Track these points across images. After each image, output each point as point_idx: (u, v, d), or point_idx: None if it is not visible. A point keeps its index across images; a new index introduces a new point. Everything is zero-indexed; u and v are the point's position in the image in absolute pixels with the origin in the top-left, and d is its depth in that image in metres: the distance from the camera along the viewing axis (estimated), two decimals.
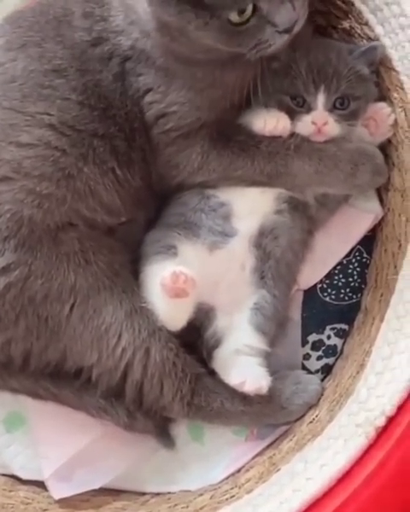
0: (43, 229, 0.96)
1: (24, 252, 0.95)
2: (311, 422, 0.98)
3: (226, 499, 0.96)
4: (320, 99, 0.96)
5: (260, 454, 1.03)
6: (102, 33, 0.97)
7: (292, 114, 0.98)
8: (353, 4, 0.99)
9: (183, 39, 0.90)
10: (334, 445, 0.88)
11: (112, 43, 0.97)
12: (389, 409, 0.83)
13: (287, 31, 0.87)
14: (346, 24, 1.03)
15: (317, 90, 0.96)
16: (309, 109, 0.97)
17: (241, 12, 0.84)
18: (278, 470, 0.94)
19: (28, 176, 0.95)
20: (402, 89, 0.96)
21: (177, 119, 0.98)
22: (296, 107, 0.98)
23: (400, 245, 0.98)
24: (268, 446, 1.03)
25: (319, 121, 0.97)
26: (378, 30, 0.97)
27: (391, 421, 0.83)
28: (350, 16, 1.02)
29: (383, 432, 0.84)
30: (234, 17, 0.84)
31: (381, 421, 0.83)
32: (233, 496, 0.96)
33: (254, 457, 1.03)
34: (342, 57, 0.98)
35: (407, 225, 0.97)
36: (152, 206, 1.06)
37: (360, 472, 0.83)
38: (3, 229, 0.95)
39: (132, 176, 1.01)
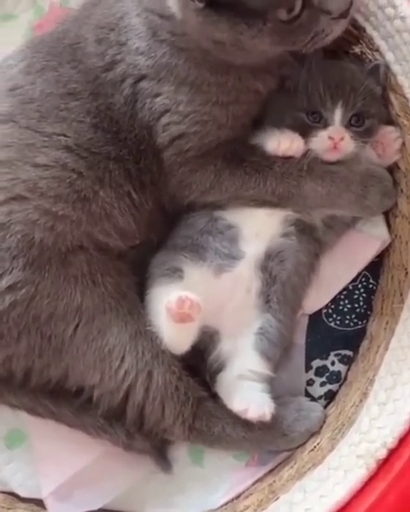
0: (54, 252, 0.97)
1: (32, 271, 0.96)
2: (312, 450, 0.98)
3: None
4: (338, 114, 0.97)
5: (260, 480, 1.02)
6: (116, 56, 0.97)
7: (307, 131, 0.98)
8: (364, 30, 1.00)
9: (239, 52, 0.90)
10: (334, 476, 0.87)
11: (127, 64, 0.97)
12: (391, 441, 0.83)
13: (343, 15, 0.87)
14: (357, 49, 1.04)
15: (334, 106, 0.97)
16: (326, 125, 0.97)
17: (290, 9, 0.84)
18: (277, 499, 0.93)
19: (43, 196, 0.96)
20: None
21: (197, 140, 0.98)
22: (313, 122, 0.98)
23: (406, 273, 0.98)
24: (269, 472, 1.02)
25: (337, 136, 0.97)
26: (389, 56, 0.97)
27: (392, 453, 0.83)
28: (361, 42, 1.02)
29: (383, 464, 0.83)
30: (283, 15, 0.84)
31: (382, 454, 0.83)
32: None
33: (254, 483, 1.02)
34: (356, 75, 1.00)
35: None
36: (164, 228, 1.06)
37: (359, 504, 0.82)
38: (13, 248, 0.95)
39: (146, 200, 1.01)
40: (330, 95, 0.97)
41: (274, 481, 0.99)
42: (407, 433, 0.82)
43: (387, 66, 0.98)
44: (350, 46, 1.04)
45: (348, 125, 0.98)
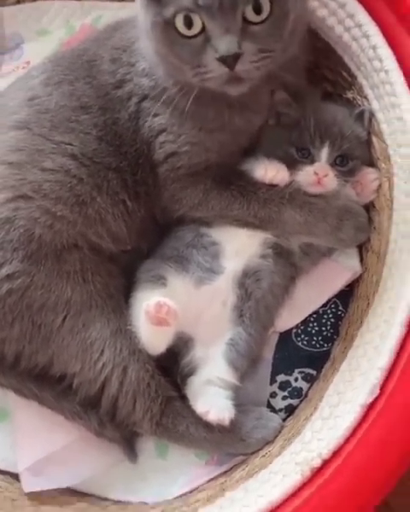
0: (51, 248, 1.05)
1: (29, 264, 1.04)
2: (263, 456, 1.04)
3: None
4: (324, 153, 1.05)
5: (214, 478, 1.09)
6: (126, 76, 1.06)
7: (295, 165, 1.06)
8: (356, 78, 1.08)
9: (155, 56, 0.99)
10: (273, 479, 0.93)
11: (134, 84, 1.06)
12: (326, 452, 0.88)
13: (225, 61, 0.89)
14: (350, 94, 1.12)
15: (322, 145, 1.04)
16: (313, 161, 1.05)
17: (187, 22, 0.90)
18: (224, 495, 1.00)
19: (46, 197, 1.04)
20: (389, 161, 1.03)
21: (187, 159, 1.06)
22: (301, 157, 1.06)
23: (368, 303, 1.04)
24: (223, 473, 1.09)
25: (321, 172, 1.04)
26: (375, 105, 1.05)
27: (326, 463, 0.88)
28: (353, 88, 1.10)
29: (317, 472, 0.89)
30: (180, 24, 0.91)
31: (317, 463, 0.88)
32: None
33: (209, 481, 1.09)
34: (346, 120, 1.08)
35: (376, 285, 1.02)
36: (154, 236, 1.14)
37: (288, 505, 0.89)
38: (15, 241, 1.03)
39: (139, 208, 1.09)
40: (319, 135, 1.05)
41: (226, 480, 1.05)
42: (342, 446, 0.88)
43: (371, 113, 1.06)
44: (344, 91, 1.13)
45: (333, 163, 1.05)
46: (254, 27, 0.90)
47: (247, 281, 1.08)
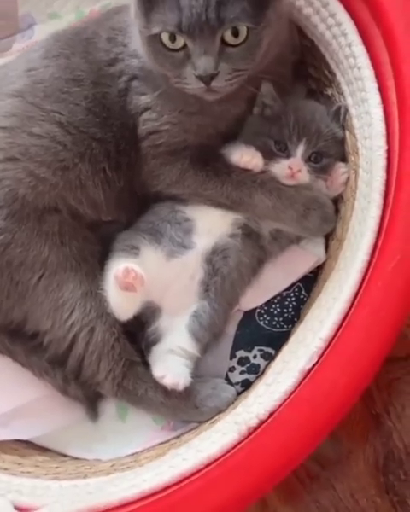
0: (32, 208, 1.10)
1: (12, 222, 1.09)
2: (213, 422, 1.08)
3: (122, 468, 1.08)
4: (300, 149, 1.09)
5: (166, 441, 1.13)
6: (119, 55, 1.12)
7: (271, 157, 1.11)
8: (335, 75, 1.13)
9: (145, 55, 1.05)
10: (214, 436, 0.97)
11: (125, 64, 1.12)
12: (263, 413, 0.92)
13: (202, 79, 0.98)
14: (329, 91, 1.17)
15: (299, 141, 1.09)
16: (288, 155, 1.10)
17: (172, 38, 0.97)
18: (169, 452, 1.04)
19: (31, 160, 1.09)
20: (357, 153, 1.08)
21: (167, 137, 1.12)
22: (277, 151, 1.11)
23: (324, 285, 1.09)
24: (175, 437, 1.13)
25: (295, 167, 1.09)
26: (349, 100, 1.10)
27: (262, 423, 0.93)
28: (333, 85, 1.15)
29: (253, 431, 0.93)
30: (165, 38, 0.98)
31: (254, 422, 0.93)
32: (129, 467, 1.07)
33: (161, 443, 1.14)
34: (324, 119, 1.12)
35: (332, 271, 1.07)
36: (133, 210, 1.18)
37: (225, 460, 0.93)
38: (1, 200, 1.09)
39: (118, 178, 1.14)
40: (297, 131, 1.10)
41: (175, 442, 1.10)
42: (277, 408, 0.92)
43: (346, 109, 1.11)
44: (325, 88, 1.18)
45: (308, 159, 1.10)
46: (231, 49, 0.98)
47: (215, 257, 1.13)
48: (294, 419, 0.91)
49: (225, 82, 0.99)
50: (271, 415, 0.93)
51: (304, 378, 0.93)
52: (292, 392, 0.92)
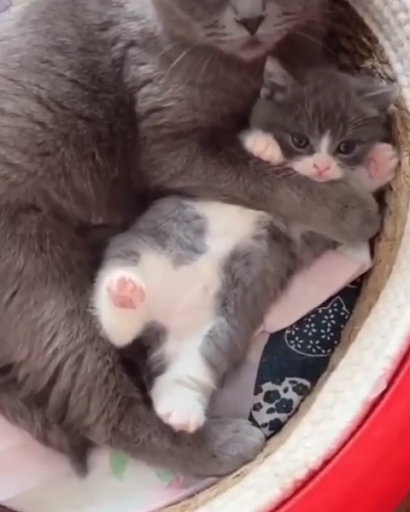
0: (4, 204, 0.96)
1: None
2: (238, 475, 0.88)
3: None
4: (324, 142, 0.92)
5: (176, 502, 0.94)
6: (114, 18, 0.99)
7: (291, 154, 0.94)
8: (377, 41, 0.97)
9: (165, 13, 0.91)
10: (244, 495, 0.78)
11: (121, 28, 0.99)
12: (313, 461, 0.72)
13: (246, 24, 0.83)
14: (368, 63, 1.01)
15: (322, 134, 0.92)
16: (311, 151, 0.93)
17: None
18: None
19: (2, 144, 0.96)
20: None
21: (171, 116, 0.97)
22: (297, 147, 0.93)
23: (378, 297, 0.90)
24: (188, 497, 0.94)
25: (322, 165, 0.92)
26: (397, 68, 0.94)
27: (314, 475, 0.73)
28: (373, 55, 0.99)
29: (302, 486, 0.73)
30: None
31: (301, 473, 0.72)
32: None
33: (168, 505, 0.94)
34: (351, 101, 0.93)
35: (388, 276, 0.89)
36: (130, 210, 1.03)
37: None
38: None
39: (111, 166, 1.00)
40: (319, 122, 0.92)
41: (189, 503, 0.90)
42: (334, 454, 0.72)
43: (397, 91, 0.93)
44: (363, 60, 1.02)
45: (336, 151, 0.93)
46: None
47: (235, 264, 0.96)
48: (361, 466, 0.71)
49: (273, 28, 0.84)
50: (326, 462, 0.73)
51: (370, 411, 0.74)
52: (354, 431, 0.73)
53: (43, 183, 0.97)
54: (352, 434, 0.72)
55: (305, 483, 0.73)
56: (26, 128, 0.96)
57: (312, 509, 0.70)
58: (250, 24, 0.83)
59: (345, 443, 0.72)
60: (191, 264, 0.95)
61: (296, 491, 0.72)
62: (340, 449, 0.72)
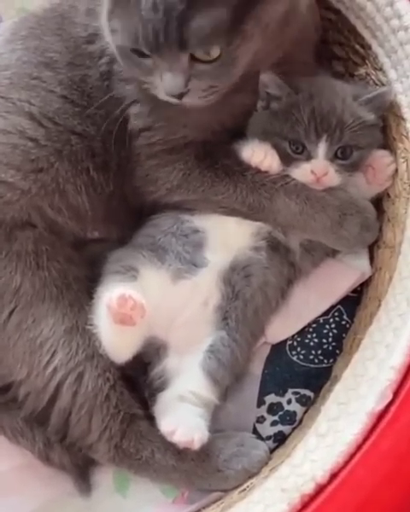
0: None
1: None
2: (244, 490, 0.86)
3: None
4: (321, 148, 0.91)
5: None
6: (98, 30, 0.96)
7: (289, 160, 0.93)
8: (370, 48, 0.96)
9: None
10: (251, 511, 0.75)
11: (107, 41, 0.94)
12: (321, 475, 0.70)
13: (172, 95, 0.85)
14: (362, 70, 1.01)
15: (319, 139, 0.91)
16: (309, 157, 0.92)
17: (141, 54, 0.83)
18: None
19: None
20: (407, 138, 0.90)
21: (162, 134, 0.96)
22: (294, 153, 0.92)
23: (379, 305, 0.88)
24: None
25: (319, 171, 0.91)
26: (391, 74, 0.93)
27: (322, 489, 0.70)
28: (367, 62, 0.99)
29: (309, 501, 0.70)
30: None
31: (309, 488, 0.70)
32: None
33: None
34: (347, 105, 0.93)
35: (389, 284, 0.87)
36: (126, 224, 1.01)
37: None
38: None
39: (106, 181, 0.98)
40: (315, 127, 0.91)
41: None
42: (341, 468, 0.70)
43: (392, 92, 0.92)
44: (356, 67, 1.02)
45: (334, 157, 0.92)
46: (203, 66, 0.83)
47: (234, 276, 0.95)
48: (370, 480, 0.68)
49: (198, 99, 0.86)
50: (333, 476, 0.70)
51: (376, 423, 0.71)
52: (361, 444, 0.70)
53: (38, 200, 0.95)
54: (359, 447, 0.70)
55: (312, 498, 0.70)
56: (19, 145, 0.94)
57: None
58: (175, 96, 0.85)
59: (352, 456, 0.69)
60: (191, 279, 0.94)
61: (304, 506, 0.70)
62: (347, 462, 0.69)
